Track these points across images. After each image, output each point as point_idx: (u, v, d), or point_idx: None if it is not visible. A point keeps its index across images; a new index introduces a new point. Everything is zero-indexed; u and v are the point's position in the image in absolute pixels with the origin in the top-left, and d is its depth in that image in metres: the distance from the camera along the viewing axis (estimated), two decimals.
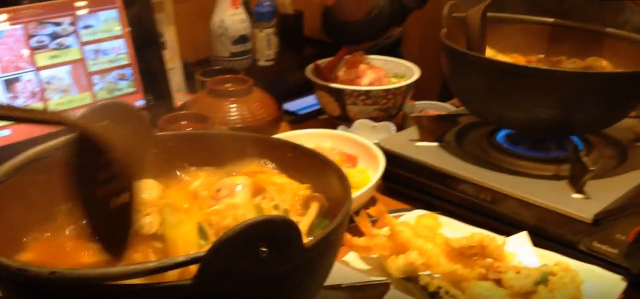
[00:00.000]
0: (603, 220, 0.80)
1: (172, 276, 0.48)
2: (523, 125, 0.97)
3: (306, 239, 0.58)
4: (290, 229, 0.47)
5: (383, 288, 0.65)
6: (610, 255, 0.79)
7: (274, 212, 0.64)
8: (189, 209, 0.64)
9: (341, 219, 0.53)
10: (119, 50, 1.16)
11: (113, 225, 0.54)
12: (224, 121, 1.10)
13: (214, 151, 0.71)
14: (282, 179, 0.68)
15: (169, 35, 1.39)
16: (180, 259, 0.45)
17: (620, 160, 0.96)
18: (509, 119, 0.98)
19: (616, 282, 0.77)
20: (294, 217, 0.64)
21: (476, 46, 0.99)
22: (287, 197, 0.67)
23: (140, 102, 1.18)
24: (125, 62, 1.16)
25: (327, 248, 0.52)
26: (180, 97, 1.32)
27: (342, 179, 0.59)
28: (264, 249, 0.45)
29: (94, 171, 0.54)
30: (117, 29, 1.15)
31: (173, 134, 0.72)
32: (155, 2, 1.28)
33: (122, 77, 1.16)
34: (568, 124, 0.93)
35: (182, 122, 1.01)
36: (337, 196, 0.59)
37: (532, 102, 0.90)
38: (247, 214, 0.62)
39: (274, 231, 0.46)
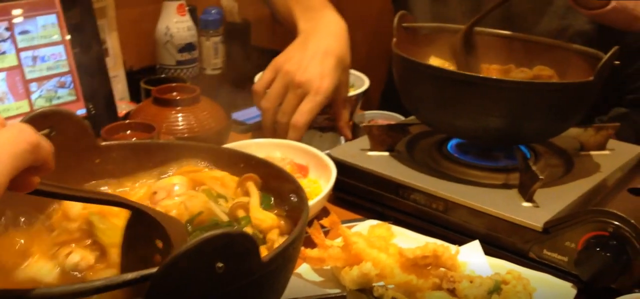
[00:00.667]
0: (553, 228, 0.81)
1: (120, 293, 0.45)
2: (473, 134, 0.98)
3: (262, 216, 0.56)
4: (247, 242, 0.45)
5: None
6: (560, 263, 0.80)
7: (220, 202, 0.62)
8: (120, 212, 0.60)
9: (299, 232, 0.51)
10: (59, 57, 1.11)
11: None
12: (171, 131, 1.06)
13: (160, 161, 0.68)
14: (220, 173, 0.66)
15: (112, 42, 1.34)
16: (130, 276, 0.42)
17: (567, 169, 0.98)
18: (459, 129, 0.98)
19: (567, 289, 0.78)
20: (241, 200, 0.62)
21: (463, 67, 1.01)
22: (229, 189, 0.65)
23: (81, 111, 1.13)
24: (65, 69, 1.11)
25: (285, 261, 0.51)
26: (123, 106, 1.27)
27: (298, 189, 0.57)
28: (220, 264, 0.43)
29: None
30: (56, 35, 1.10)
31: (117, 143, 0.68)
32: (97, 7, 1.24)
33: (61, 85, 1.11)
34: (517, 133, 0.94)
35: (127, 132, 0.97)
36: (293, 208, 0.57)
37: (481, 111, 0.91)
38: (195, 204, 0.60)
39: (230, 246, 0.43)
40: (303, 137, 1.15)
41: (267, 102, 1.14)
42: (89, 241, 0.58)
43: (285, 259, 0.50)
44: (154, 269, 0.42)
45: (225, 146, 1.05)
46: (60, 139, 0.63)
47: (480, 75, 0.99)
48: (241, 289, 0.46)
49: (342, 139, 1.16)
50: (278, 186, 0.62)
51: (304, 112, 1.10)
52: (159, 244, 0.52)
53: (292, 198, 0.59)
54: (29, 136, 0.42)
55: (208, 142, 1.07)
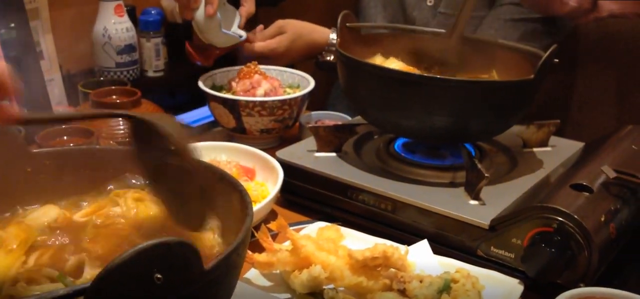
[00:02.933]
0: (499, 225, 0.81)
1: None
2: (418, 133, 0.98)
3: None
4: (187, 251, 0.42)
5: None
6: (507, 260, 0.81)
7: None
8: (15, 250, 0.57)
9: (242, 238, 0.49)
10: None
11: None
12: (111, 135, 1.02)
13: (97, 169, 0.65)
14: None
15: (46, 44, 1.29)
16: (62, 292, 0.39)
17: (511, 166, 0.99)
18: (405, 128, 0.98)
19: (514, 286, 0.78)
20: None
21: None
22: None
23: None
24: None
25: (228, 269, 0.49)
26: (60, 110, 1.22)
27: (242, 195, 0.56)
28: (158, 275, 0.41)
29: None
30: None
31: (51, 150, 0.65)
32: (29, 8, 1.18)
33: None
34: (462, 132, 0.94)
35: (64, 138, 0.93)
36: (236, 214, 0.55)
37: (427, 110, 0.91)
38: None
39: (168, 255, 0.41)
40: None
41: None
42: None
43: (229, 266, 0.48)
44: (87, 284, 0.39)
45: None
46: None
47: (425, 74, 0.99)
48: None
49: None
50: (222, 193, 0.59)
51: None
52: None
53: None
54: None
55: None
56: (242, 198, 0.55)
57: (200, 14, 1.17)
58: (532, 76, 0.90)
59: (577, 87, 1.39)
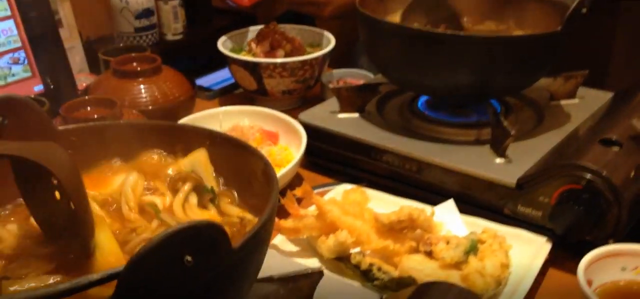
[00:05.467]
0: (526, 184, 0.80)
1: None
2: (442, 91, 0.96)
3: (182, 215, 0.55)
4: (215, 232, 0.43)
5: (316, 276, 0.62)
6: (534, 218, 0.80)
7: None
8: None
9: (269, 214, 0.50)
10: (9, 32, 1.05)
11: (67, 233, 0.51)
12: (134, 103, 1.03)
13: (122, 143, 0.65)
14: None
15: (65, 11, 1.28)
16: (95, 277, 0.40)
17: (538, 120, 0.97)
18: (428, 86, 0.97)
19: (542, 244, 0.78)
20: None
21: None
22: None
23: (38, 87, 1.08)
24: (17, 44, 1.06)
25: (256, 245, 0.49)
26: (82, 78, 1.23)
27: (267, 169, 0.55)
28: (188, 258, 0.41)
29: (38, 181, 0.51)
30: (5, 9, 1.04)
31: (76, 127, 0.65)
32: None
33: (15, 61, 1.06)
34: (486, 89, 0.93)
35: (87, 109, 0.93)
36: (263, 188, 0.55)
37: (450, 68, 0.90)
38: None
39: (198, 238, 0.42)
40: None
41: None
42: None
43: (257, 243, 0.49)
44: (120, 268, 0.40)
45: (191, 116, 1.02)
46: (15, 126, 0.59)
47: (447, 32, 0.97)
48: (213, 279, 0.44)
49: None
50: (245, 163, 0.59)
51: None
52: (54, 181, 0.50)
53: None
54: None
55: (174, 113, 1.04)
56: (267, 171, 0.55)
57: None
58: (559, 28, 0.88)
59: (604, 33, 1.35)
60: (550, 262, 0.78)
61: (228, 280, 0.46)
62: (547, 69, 0.94)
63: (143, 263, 0.40)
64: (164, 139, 0.64)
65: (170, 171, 0.63)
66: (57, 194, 0.51)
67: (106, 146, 0.65)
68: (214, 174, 0.62)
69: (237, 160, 0.61)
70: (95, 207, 0.59)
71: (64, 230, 0.52)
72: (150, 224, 0.59)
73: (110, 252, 0.53)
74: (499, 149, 0.86)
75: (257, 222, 0.48)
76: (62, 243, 0.52)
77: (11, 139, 0.59)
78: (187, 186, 0.61)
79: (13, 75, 1.05)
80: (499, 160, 0.86)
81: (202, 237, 0.42)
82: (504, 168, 0.84)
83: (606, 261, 0.69)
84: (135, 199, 0.61)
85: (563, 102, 1.03)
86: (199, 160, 0.59)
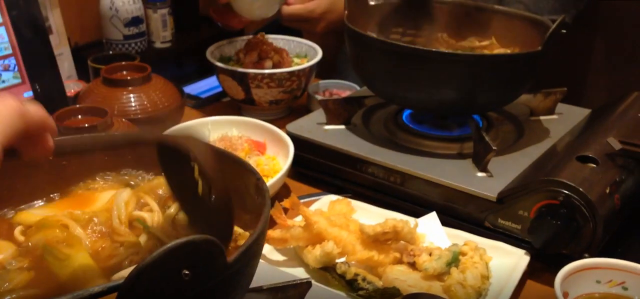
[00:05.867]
0: (506, 198, 0.83)
1: None
2: (426, 106, 0.99)
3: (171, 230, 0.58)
4: (212, 247, 0.45)
5: (305, 286, 0.64)
6: (514, 231, 0.83)
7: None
8: (70, 239, 0.59)
9: (262, 228, 0.52)
10: (0, 38, 1.06)
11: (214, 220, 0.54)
12: (123, 112, 1.04)
13: (116, 156, 0.67)
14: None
15: (54, 18, 1.29)
16: (97, 289, 0.41)
17: (518, 135, 1.00)
18: (412, 101, 1.00)
19: (521, 256, 0.81)
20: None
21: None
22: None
23: (28, 94, 1.09)
24: (8, 51, 1.07)
25: (249, 259, 0.51)
26: (71, 85, 1.24)
27: (259, 183, 0.57)
28: (186, 271, 0.43)
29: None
30: None
31: (69, 138, 0.66)
32: None
33: (5, 68, 1.06)
34: (469, 104, 0.95)
35: (78, 117, 0.94)
36: (255, 202, 0.57)
37: (433, 84, 0.92)
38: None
39: (195, 252, 0.43)
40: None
41: None
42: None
43: (250, 256, 0.51)
44: (121, 281, 0.42)
45: (177, 129, 1.03)
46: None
47: (432, 49, 1.00)
48: (208, 291, 0.46)
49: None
50: (237, 178, 0.61)
51: None
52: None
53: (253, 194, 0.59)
54: (11, 105, 0.46)
55: (162, 122, 1.06)
56: (259, 186, 0.57)
57: None
58: (540, 48, 0.91)
59: (584, 52, 1.40)
60: (529, 274, 0.81)
61: (223, 292, 0.48)
62: (527, 86, 0.98)
63: (143, 276, 0.42)
64: (153, 152, 0.65)
65: (160, 192, 0.64)
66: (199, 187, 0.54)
67: (97, 159, 0.67)
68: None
69: (229, 174, 0.62)
70: (74, 229, 0.60)
71: (204, 220, 0.56)
72: (138, 238, 0.61)
73: (87, 268, 0.55)
74: (481, 164, 0.89)
75: (250, 237, 0.50)
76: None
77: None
78: (174, 207, 0.63)
79: (3, 81, 1.06)
80: (480, 174, 0.89)
81: (199, 252, 0.44)
82: (486, 182, 0.87)
83: (582, 274, 0.72)
84: (126, 213, 0.62)
85: (542, 118, 1.06)
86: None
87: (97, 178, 0.67)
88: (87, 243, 0.59)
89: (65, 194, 0.66)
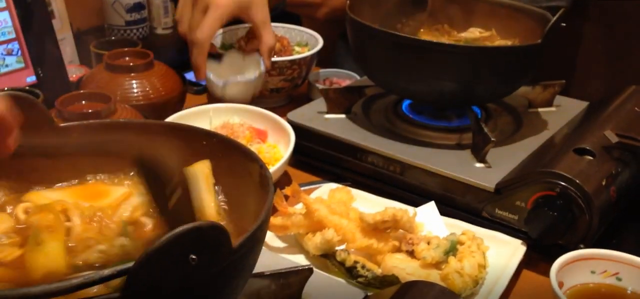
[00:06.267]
0: (504, 189, 0.84)
1: (94, 291, 0.45)
2: (426, 97, 1.00)
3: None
4: (218, 233, 0.46)
5: (306, 273, 0.66)
6: (511, 221, 0.85)
7: None
8: (55, 226, 0.59)
9: (265, 216, 0.53)
10: (4, 23, 1.07)
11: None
12: (125, 98, 1.05)
13: (119, 142, 0.67)
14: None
15: (57, 3, 1.29)
16: (107, 272, 0.43)
17: (516, 127, 1.02)
18: (411, 91, 1.01)
19: (517, 246, 0.82)
20: None
21: None
22: None
23: (30, 78, 1.10)
24: (11, 36, 1.07)
25: (254, 244, 0.52)
26: (73, 70, 1.24)
27: (263, 171, 0.59)
28: (193, 256, 0.44)
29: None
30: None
31: (77, 124, 0.67)
32: None
33: (9, 53, 1.07)
34: (469, 95, 0.97)
35: (82, 103, 0.95)
36: (258, 189, 0.58)
37: (434, 75, 0.93)
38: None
39: (202, 238, 0.45)
40: (224, 62, 1.14)
41: (181, 25, 1.12)
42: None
43: (254, 242, 0.52)
44: (131, 265, 0.43)
45: (181, 113, 1.04)
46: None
47: (432, 40, 1.01)
48: (214, 276, 0.47)
49: (262, 64, 1.13)
50: (241, 165, 0.62)
51: (204, 27, 1.05)
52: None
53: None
54: None
55: (165, 108, 1.07)
56: (263, 174, 0.58)
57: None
58: (539, 41, 0.92)
59: (582, 44, 1.41)
60: (525, 264, 0.82)
61: (227, 277, 0.49)
62: (527, 78, 0.99)
63: (151, 261, 0.43)
64: (163, 139, 0.66)
65: None
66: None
67: (106, 144, 0.68)
68: (215, 187, 0.64)
69: (233, 162, 0.64)
70: (73, 217, 0.61)
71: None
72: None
73: (55, 257, 0.55)
74: (479, 154, 0.90)
75: (255, 223, 0.51)
76: None
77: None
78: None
79: (6, 66, 1.07)
80: (479, 164, 0.90)
81: (206, 238, 0.45)
82: (484, 173, 0.88)
83: (577, 265, 0.74)
84: (131, 217, 0.63)
85: (541, 109, 1.07)
86: (202, 171, 0.61)
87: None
88: (77, 232, 0.60)
89: (82, 182, 0.67)
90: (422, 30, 1.12)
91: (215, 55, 1.16)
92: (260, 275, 0.64)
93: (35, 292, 0.41)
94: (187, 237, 0.44)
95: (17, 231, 0.60)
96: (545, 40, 0.92)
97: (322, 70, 1.32)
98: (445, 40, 1.09)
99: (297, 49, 1.29)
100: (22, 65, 1.09)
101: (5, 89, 1.00)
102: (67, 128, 0.66)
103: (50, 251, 0.54)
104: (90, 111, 0.92)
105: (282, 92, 1.23)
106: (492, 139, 0.88)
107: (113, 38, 1.32)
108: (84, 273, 0.44)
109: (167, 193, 0.64)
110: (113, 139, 0.67)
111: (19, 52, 1.08)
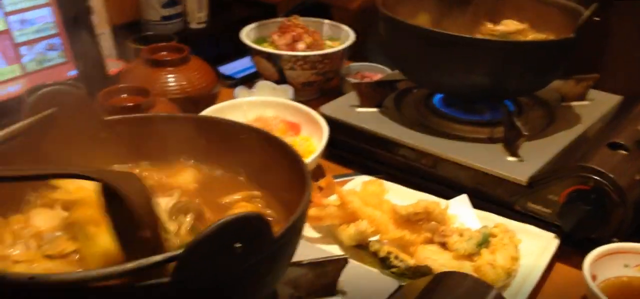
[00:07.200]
0: (537, 182, 0.85)
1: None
2: (458, 91, 1.01)
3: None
4: (261, 223, 0.48)
5: (342, 262, 0.68)
6: (544, 214, 0.85)
7: None
8: (98, 218, 0.59)
9: (304, 207, 0.55)
10: (46, 19, 1.10)
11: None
12: (162, 91, 1.08)
13: (160, 135, 0.70)
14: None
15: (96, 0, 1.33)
16: (158, 258, 0.45)
17: (549, 120, 1.02)
18: (444, 85, 1.01)
19: (550, 239, 0.83)
20: None
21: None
22: None
23: (71, 72, 1.13)
24: (53, 31, 1.11)
25: (293, 234, 0.54)
26: (112, 64, 1.27)
27: (301, 165, 0.60)
28: (238, 245, 0.46)
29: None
30: None
31: (121, 118, 0.70)
32: None
33: (51, 47, 1.11)
34: (501, 90, 0.97)
35: (122, 96, 0.98)
36: (295, 182, 0.60)
37: (466, 70, 0.94)
38: None
39: (247, 227, 0.47)
40: (257, 89, 1.16)
41: None
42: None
43: (294, 232, 0.54)
44: (180, 251, 0.45)
45: (213, 110, 1.06)
46: (66, 115, 0.65)
47: (465, 35, 1.01)
48: (257, 264, 0.49)
49: (291, 92, 1.17)
50: (277, 158, 0.64)
51: None
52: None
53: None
54: None
55: (200, 102, 1.09)
56: (301, 168, 0.60)
57: None
58: (573, 35, 0.92)
59: (613, 37, 1.39)
60: (557, 257, 0.83)
61: (268, 265, 0.52)
62: (560, 72, 0.99)
63: (199, 248, 0.45)
64: (203, 133, 0.69)
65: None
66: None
67: (147, 138, 0.70)
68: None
69: (270, 155, 0.66)
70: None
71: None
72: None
73: (108, 247, 0.56)
74: (512, 148, 0.91)
75: (295, 213, 0.53)
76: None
77: (62, 128, 0.64)
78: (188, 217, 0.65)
79: (49, 60, 1.10)
80: (511, 158, 0.91)
81: (250, 227, 0.47)
82: (516, 166, 0.89)
83: (610, 258, 0.74)
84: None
85: (574, 103, 1.07)
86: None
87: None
88: None
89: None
90: (455, 24, 1.12)
91: (246, 84, 1.18)
92: (298, 264, 0.66)
93: (93, 275, 0.44)
94: (233, 226, 0.46)
95: (66, 226, 0.62)
96: (579, 35, 0.92)
97: (353, 64, 1.33)
98: (479, 34, 1.09)
99: (328, 43, 1.30)
100: (64, 60, 1.12)
101: (52, 83, 1.03)
102: (113, 121, 0.69)
103: (101, 242, 0.56)
104: (130, 104, 0.95)
105: (314, 86, 1.25)
106: (525, 133, 0.89)
107: (149, 33, 1.35)
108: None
109: None
110: (156, 131, 0.69)
111: (61, 47, 1.12)
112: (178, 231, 0.62)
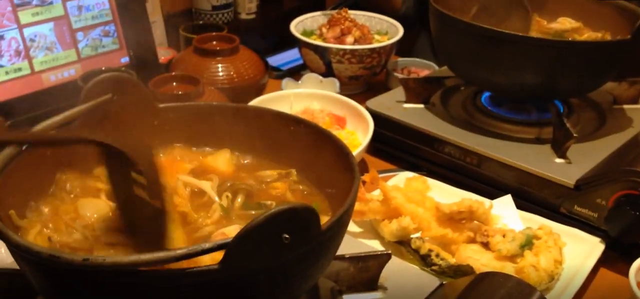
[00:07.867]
0: (584, 185, 0.84)
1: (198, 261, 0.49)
2: (507, 89, 1.00)
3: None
4: (309, 214, 0.49)
5: (384, 258, 0.68)
6: (590, 219, 0.84)
7: None
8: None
9: (351, 200, 0.55)
10: (102, 6, 1.13)
11: (147, 227, 0.55)
12: (211, 81, 1.10)
13: (210, 124, 0.72)
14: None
15: None
16: (208, 245, 0.47)
17: (600, 123, 1.00)
18: (493, 84, 1.01)
19: (595, 244, 0.82)
20: None
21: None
22: None
23: (124, 59, 1.16)
24: (108, 18, 1.14)
25: (339, 227, 0.55)
26: (162, 52, 1.30)
27: (350, 158, 0.61)
28: (286, 235, 0.47)
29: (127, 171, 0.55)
30: None
31: (174, 105, 0.72)
32: None
33: (105, 34, 1.14)
34: (552, 90, 0.96)
35: (173, 84, 1.01)
36: (342, 175, 0.61)
37: (518, 69, 0.93)
38: None
39: (295, 219, 0.48)
40: (303, 81, 1.17)
41: None
42: None
43: (340, 225, 0.55)
44: (229, 239, 0.46)
45: (260, 101, 1.07)
46: (121, 102, 0.67)
47: (517, 33, 1.00)
48: (303, 255, 0.51)
49: (338, 86, 1.16)
50: (325, 151, 0.65)
51: None
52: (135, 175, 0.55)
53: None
54: None
55: (247, 92, 1.11)
56: (349, 161, 0.61)
57: None
58: (629, 36, 0.90)
59: None
60: (602, 262, 0.81)
61: (315, 256, 0.53)
62: (613, 74, 0.97)
63: (248, 237, 0.46)
64: (254, 123, 0.70)
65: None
66: (141, 192, 0.55)
67: (197, 125, 0.72)
68: None
69: (318, 148, 0.67)
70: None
71: (143, 226, 0.58)
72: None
73: (175, 238, 0.59)
74: (560, 150, 0.90)
75: (342, 207, 0.54)
76: (140, 238, 0.58)
77: (117, 114, 0.66)
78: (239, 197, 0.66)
79: (103, 46, 1.14)
80: (558, 160, 0.90)
81: (298, 218, 0.48)
82: (563, 168, 0.88)
83: None
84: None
85: (626, 106, 1.05)
86: None
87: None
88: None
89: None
90: (510, 21, 1.10)
91: (293, 75, 1.19)
92: (342, 257, 0.67)
93: (145, 259, 0.46)
94: (282, 216, 0.47)
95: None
96: (636, 37, 0.90)
97: (400, 60, 1.33)
98: (531, 31, 1.08)
99: (377, 37, 1.31)
100: (117, 46, 1.16)
101: (107, 69, 1.07)
102: (166, 109, 0.71)
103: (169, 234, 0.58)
104: (180, 92, 0.97)
105: (360, 79, 1.25)
106: (575, 134, 0.88)
107: (200, 22, 1.38)
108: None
109: None
110: (206, 120, 0.71)
111: (115, 34, 1.15)
112: (231, 206, 0.64)
